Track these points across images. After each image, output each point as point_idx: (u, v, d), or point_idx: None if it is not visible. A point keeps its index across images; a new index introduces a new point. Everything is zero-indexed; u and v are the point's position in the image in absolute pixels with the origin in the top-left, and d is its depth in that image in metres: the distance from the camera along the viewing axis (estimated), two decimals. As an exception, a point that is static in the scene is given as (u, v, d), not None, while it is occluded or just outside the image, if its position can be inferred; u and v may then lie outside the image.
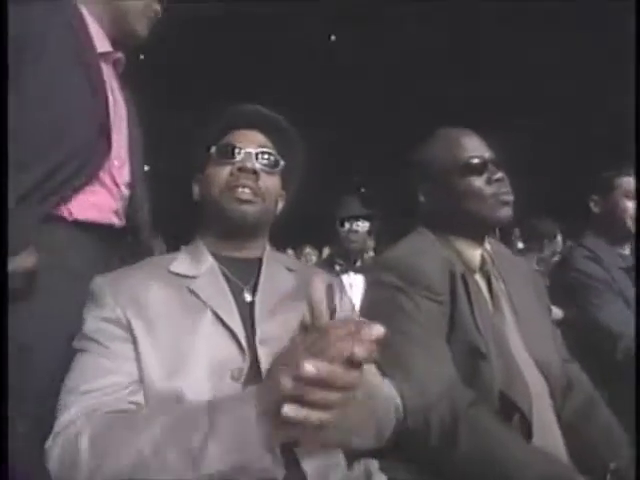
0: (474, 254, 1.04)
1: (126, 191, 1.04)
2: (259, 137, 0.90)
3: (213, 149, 0.88)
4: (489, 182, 1.02)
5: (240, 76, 11.73)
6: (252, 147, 0.88)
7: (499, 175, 1.02)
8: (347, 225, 2.24)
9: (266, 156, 0.88)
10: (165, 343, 0.73)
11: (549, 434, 0.93)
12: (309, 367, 0.48)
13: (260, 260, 0.90)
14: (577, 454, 0.93)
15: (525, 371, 0.95)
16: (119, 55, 1.11)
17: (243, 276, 0.85)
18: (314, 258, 4.14)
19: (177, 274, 0.82)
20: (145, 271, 0.82)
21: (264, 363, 0.74)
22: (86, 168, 0.94)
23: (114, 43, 1.09)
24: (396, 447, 0.83)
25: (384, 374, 0.90)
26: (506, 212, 1.01)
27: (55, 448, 0.63)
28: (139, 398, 0.71)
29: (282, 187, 0.94)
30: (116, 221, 1.02)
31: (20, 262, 0.82)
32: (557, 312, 1.51)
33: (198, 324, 0.75)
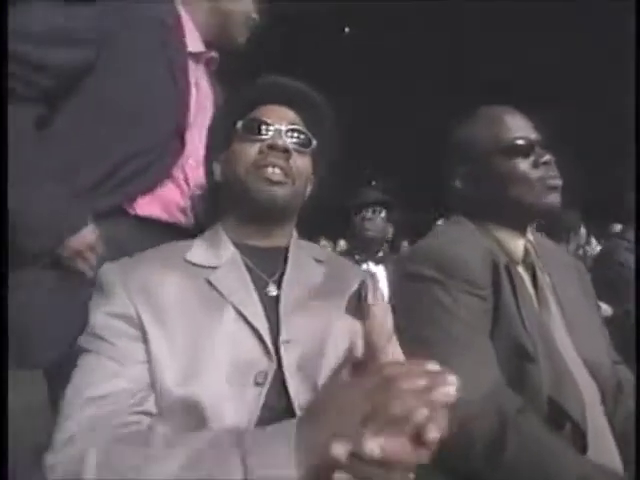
0: (517, 244, 0.95)
1: (198, 191, 1.01)
2: (289, 113, 0.81)
3: (239, 124, 0.79)
4: (535, 165, 0.92)
5: (255, 66, 11.73)
6: (282, 124, 0.78)
7: (547, 158, 0.92)
8: (363, 213, 2.14)
9: (297, 134, 0.79)
10: (181, 343, 0.64)
11: (603, 444, 0.84)
12: (373, 446, 0.41)
13: (286, 250, 0.81)
14: (631, 466, 0.84)
15: (575, 373, 0.86)
16: (212, 54, 1.14)
17: (267, 267, 0.76)
18: (329, 250, 4.07)
19: (194, 264, 0.73)
20: (159, 260, 0.73)
21: (287, 367, 0.66)
22: (156, 165, 0.95)
23: (210, 45, 1.13)
24: (434, 456, 0.76)
25: None
26: (554, 198, 0.92)
27: (57, 468, 0.54)
28: (150, 406, 0.63)
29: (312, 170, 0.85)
30: (183, 219, 1.00)
31: (81, 238, 0.87)
32: (606, 309, 1.41)
33: (218, 321, 0.67)
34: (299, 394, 0.65)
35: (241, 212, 0.78)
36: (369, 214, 2.14)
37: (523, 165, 0.92)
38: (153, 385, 0.63)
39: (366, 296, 0.79)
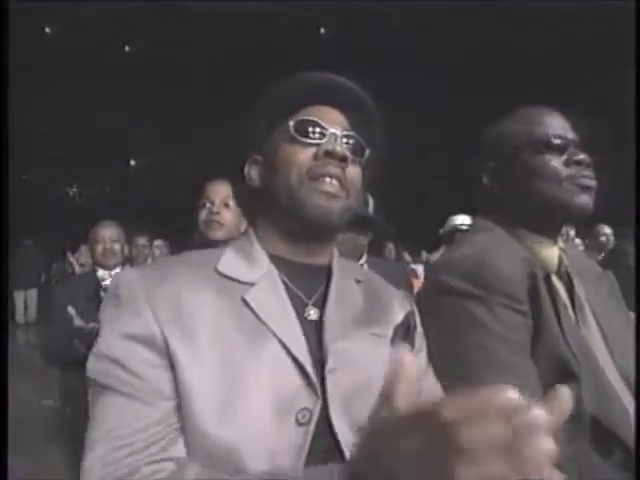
0: (551, 253, 0.89)
1: None
2: (340, 117, 0.71)
3: (291, 124, 0.68)
4: (567, 164, 0.86)
5: (232, 69, 11.64)
6: (337, 128, 0.68)
7: (581, 157, 0.86)
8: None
9: (352, 141, 0.69)
10: (215, 373, 0.55)
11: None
12: None
13: (327, 268, 0.71)
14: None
15: (619, 391, 0.80)
16: None
17: (306, 287, 0.67)
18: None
19: (227, 277, 0.64)
20: (188, 270, 0.63)
21: (332, 400, 0.58)
22: None
23: None
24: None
25: None
26: (585, 199, 0.85)
27: None
28: (178, 450, 0.53)
29: None
30: None
31: None
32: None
33: (256, 349, 0.58)
34: (344, 432, 0.57)
35: (285, 224, 0.68)
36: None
37: (554, 162, 0.86)
38: (183, 426, 0.54)
39: (415, 329, 0.72)
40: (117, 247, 2.13)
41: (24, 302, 8.42)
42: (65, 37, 12.04)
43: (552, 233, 0.90)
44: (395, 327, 0.70)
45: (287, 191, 0.65)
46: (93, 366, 0.57)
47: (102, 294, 2.04)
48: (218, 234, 1.41)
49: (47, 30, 12.56)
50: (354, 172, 0.68)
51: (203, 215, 1.44)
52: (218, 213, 1.42)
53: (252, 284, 0.63)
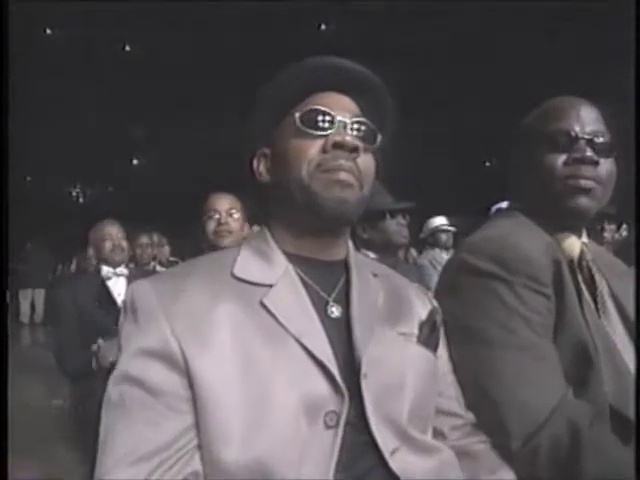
0: (573, 245, 0.87)
1: None
2: (349, 102, 0.67)
3: (297, 116, 0.64)
4: (567, 162, 0.83)
5: (234, 67, 11.63)
6: (346, 115, 0.65)
7: (583, 155, 0.81)
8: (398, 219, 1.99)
9: (363, 127, 0.65)
10: (237, 388, 0.53)
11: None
12: None
13: (345, 263, 0.70)
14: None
15: (640, 384, 0.79)
16: None
17: (325, 284, 0.65)
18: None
19: (244, 280, 0.62)
20: (204, 278, 0.61)
21: (370, 402, 0.57)
22: None
23: None
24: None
25: (478, 385, 0.74)
26: (579, 201, 0.82)
27: None
28: (196, 465, 0.53)
29: None
30: None
31: None
32: None
33: (277, 356, 0.56)
34: (381, 429, 0.57)
35: (299, 220, 0.66)
36: (401, 219, 2.01)
37: (553, 159, 0.84)
38: (203, 446, 0.53)
39: (440, 327, 0.71)
40: (124, 244, 2.15)
41: (31, 302, 8.43)
42: (66, 38, 12.04)
43: (574, 228, 0.89)
44: (420, 324, 0.69)
45: (299, 185, 0.62)
46: (111, 386, 0.56)
47: (108, 293, 2.05)
48: (227, 241, 1.54)
49: (48, 31, 12.57)
50: (366, 161, 0.65)
51: (212, 226, 1.57)
52: (226, 223, 1.56)
53: (270, 286, 0.61)
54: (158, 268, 2.76)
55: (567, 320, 0.77)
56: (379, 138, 0.67)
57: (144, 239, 2.91)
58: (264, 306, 0.59)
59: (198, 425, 0.53)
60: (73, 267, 4.41)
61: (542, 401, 0.71)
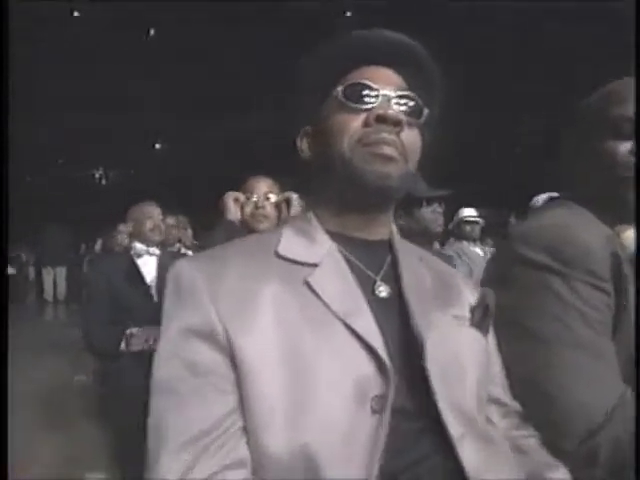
0: (631, 236, 0.82)
1: None
2: (395, 76, 0.64)
3: (339, 89, 0.62)
4: (631, 150, 0.78)
5: (260, 53, 11.59)
6: (390, 88, 0.62)
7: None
8: (434, 206, 1.96)
9: (408, 101, 0.62)
10: (282, 370, 0.52)
11: None
12: None
13: (389, 244, 0.68)
14: None
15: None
16: None
17: (371, 263, 0.63)
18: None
19: (288, 259, 0.60)
20: (247, 257, 0.60)
21: (436, 386, 0.55)
22: None
23: None
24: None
25: (530, 381, 0.71)
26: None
27: None
28: (242, 451, 0.51)
29: None
30: None
31: None
32: None
33: (323, 338, 0.54)
34: (450, 420, 0.55)
35: (342, 196, 0.63)
36: (438, 207, 1.97)
37: (615, 146, 0.79)
38: (245, 425, 0.52)
39: (492, 312, 0.68)
40: (163, 226, 2.20)
41: (53, 280, 8.63)
42: (92, 21, 12.13)
43: (631, 219, 0.84)
44: (471, 308, 0.67)
45: (340, 160, 0.60)
46: (157, 365, 0.55)
47: (138, 271, 2.07)
48: (263, 226, 1.54)
49: (75, 14, 12.69)
50: (411, 135, 0.62)
51: (248, 209, 1.56)
52: (263, 207, 1.55)
53: (315, 265, 0.60)
54: (183, 250, 2.77)
55: (625, 318, 0.73)
56: (425, 113, 0.64)
57: (170, 220, 2.92)
58: (309, 286, 0.57)
59: (242, 408, 0.52)
60: (98, 247, 4.48)
61: (601, 400, 0.68)
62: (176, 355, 0.53)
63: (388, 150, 0.59)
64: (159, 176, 12.39)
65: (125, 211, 2.27)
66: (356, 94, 0.61)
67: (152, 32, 13.66)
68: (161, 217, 2.22)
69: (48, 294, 8.60)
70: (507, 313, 0.74)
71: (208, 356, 0.53)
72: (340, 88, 0.62)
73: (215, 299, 0.55)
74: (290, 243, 0.62)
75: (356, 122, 0.60)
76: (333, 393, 0.51)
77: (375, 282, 0.62)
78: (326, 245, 0.62)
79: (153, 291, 2.05)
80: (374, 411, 0.52)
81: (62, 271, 8.64)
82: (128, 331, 1.85)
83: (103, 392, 2.54)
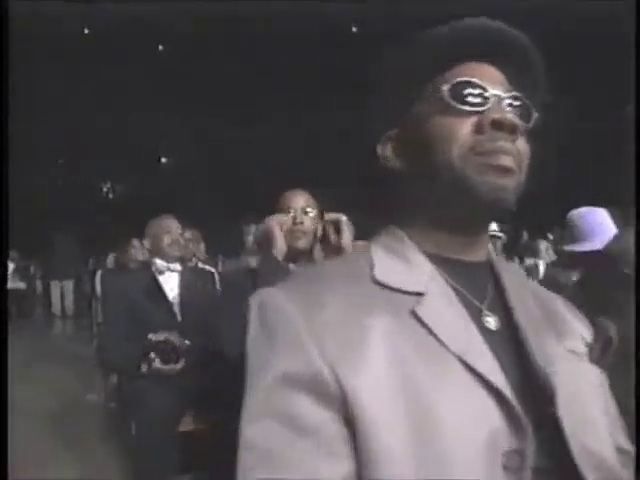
0: None
1: None
2: (498, 74, 0.55)
3: (445, 89, 0.53)
4: None
5: (265, 68, 11.71)
6: (499, 89, 0.53)
7: None
8: None
9: (519, 103, 0.53)
10: (402, 420, 0.43)
11: None
12: None
13: (489, 265, 0.59)
14: None
15: None
16: None
17: (473, 290, 0.55)
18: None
19: (389, 287, 0.51)
20: (342, 283, 0.52)
21: (571, 436, 0.46)
22: None
23: None
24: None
25: None
26: None
27: None
28: None
29: None
30: None
31: None
32: None
33: (441, 379, 0.46)
34: (588, 473, 0.46)
35: (441, 210, 0.55)
36: None
37: None
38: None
39: (614, 345, 0.61)
40: (182, 240, 2.14)
41: (61, 294, 8.56)
42: (102, 38, 12.34)
43: None
44: (589, 343, 0.59)
45: (447, 171, 0.52)
46: (248, 423, 0.45)
47: (159, 288, 2.01)
48: (301, 242, 1.45)
49: (86, 31, 12.89)
50: (523, 143, 0.54)
51: (285, 225, 1.47)
52: (302, 223, 1.45)
53: (420, 294, 0.51)
54: (200, 265, 2.71)
55: None
56: (534, 116, 0.56)
57: (187, 234, 2.87)
58: (417, 318, 0.49)
59: (358, 470, 0.43)
60: (110, 261, 4.41)
61: None
62: (272, 411, 0.45)
63: (506, 161, 0.51)
64: (164, 190, 12.42)
65: (135, 225, 2.22)
66: (462, 95, 0.52)
67: (161, 48, 13.88)
68: (179, 231, 2.15)
69: (56, 308, 8.53)
70: (617, 340, 0.68)
71: (313, 411, 0.44)
72: (446, 87, 0.53)
73: (317, 336, 0.46)
74: (386, 267, 0.54)
75: (465, 127, 0.52)
76: (464, 448, 0.43)
77: (481, 311, 0.53)
78: (426, 269, 0.53)
79: (176, 309, 1.99)
80: (506, 469, 0.43)
81: (69, 285, 8.58)
82: (152, 354, 1.80)
83: (119, 412, 2.47)
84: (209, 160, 12.90)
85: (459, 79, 0.53)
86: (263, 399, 0.45)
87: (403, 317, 0.49)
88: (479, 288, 0.55)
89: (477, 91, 0.52)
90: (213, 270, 2.53)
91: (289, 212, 1.46)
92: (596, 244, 1.27)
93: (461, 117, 0.52)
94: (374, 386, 0.44)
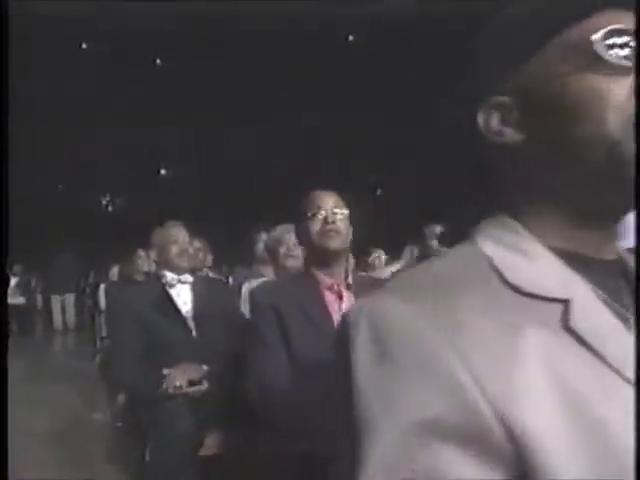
0: None
1: None
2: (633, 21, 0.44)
3: (595, 38, 0.42)
4: None
5: (263, 79, 11.76)
6: None
7: None
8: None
9: None
10: (581, 453, 0.33)
11: None
12: None
13: (620, 264, 0.49)
14: None
15: None
16: None
17: (613, 294, 0.44)
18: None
19: (529, 294, 0.41)
20: (477, 292, 0.40)
21: None
22: None
23: None
24: None
25: None
26: None
27: None
28: None
29: None
30: None
31: None
32: None
33: (607, 398, 0.36)
34: None
35: (583, 195, 0.45)
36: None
37: None
38: None
39: None
40: (191, 249, 2.00)
41: (62, 307, 8.44)
42: (99, 52, 12.42)
43: None
44: None
45: (601, 144, 0.41)
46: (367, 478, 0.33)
47: (171, 301, 1.90)
48: (335, 243, 1.38)
49: (84, 46, 12.94)
50: None
51: (317, 225, 1.40)
52: (334, 222, 1.39)
53: (566, 301, 0.41)
54: (212, 275, 2.61)
55: None
56: None
57: (197, 244, 2.76)
58: (570, 330, 0.39)
59: None
60: (114, 274, 4.30)
61: None
62: (411, 466, 0.33)
63: None
64: (164, 202, 12.40)
65: (137, 237, 2.09)
66: (618, 46, 0.42)
67: (158, 62, 13.90)
68: (187, 240, 1.99)
69: (57, 322, 8.39)
70: None
71: (473, 472, 0.32)
72: (596, 36, 0.42)
73: (468, 363, 0.34)
74: (513, 267, 0.43)
75: (622, 89, 0.42)
76: None
77: (627, 320, 0.43)
78: (560, 270, 0.43)
79: (191, 324, 1.86)
80: None
81: (70, 298, 8.46)
82: (166, 371, 1.67)
83: (128, 433, 2.34)
84: (208, 171, 12.92)
85: (612, 27, 0.42)
86: (393, 452, 0.34)
87: (555, 330, 0.39)
88: (615, 291, 0.45)
89: (632, 43, 0.42)
90: (225, 280, 2.42)
91: (319, 212, 1.39)
92: None
93: (615, 76, 0.42)
94: (546, 426, 0.34)
